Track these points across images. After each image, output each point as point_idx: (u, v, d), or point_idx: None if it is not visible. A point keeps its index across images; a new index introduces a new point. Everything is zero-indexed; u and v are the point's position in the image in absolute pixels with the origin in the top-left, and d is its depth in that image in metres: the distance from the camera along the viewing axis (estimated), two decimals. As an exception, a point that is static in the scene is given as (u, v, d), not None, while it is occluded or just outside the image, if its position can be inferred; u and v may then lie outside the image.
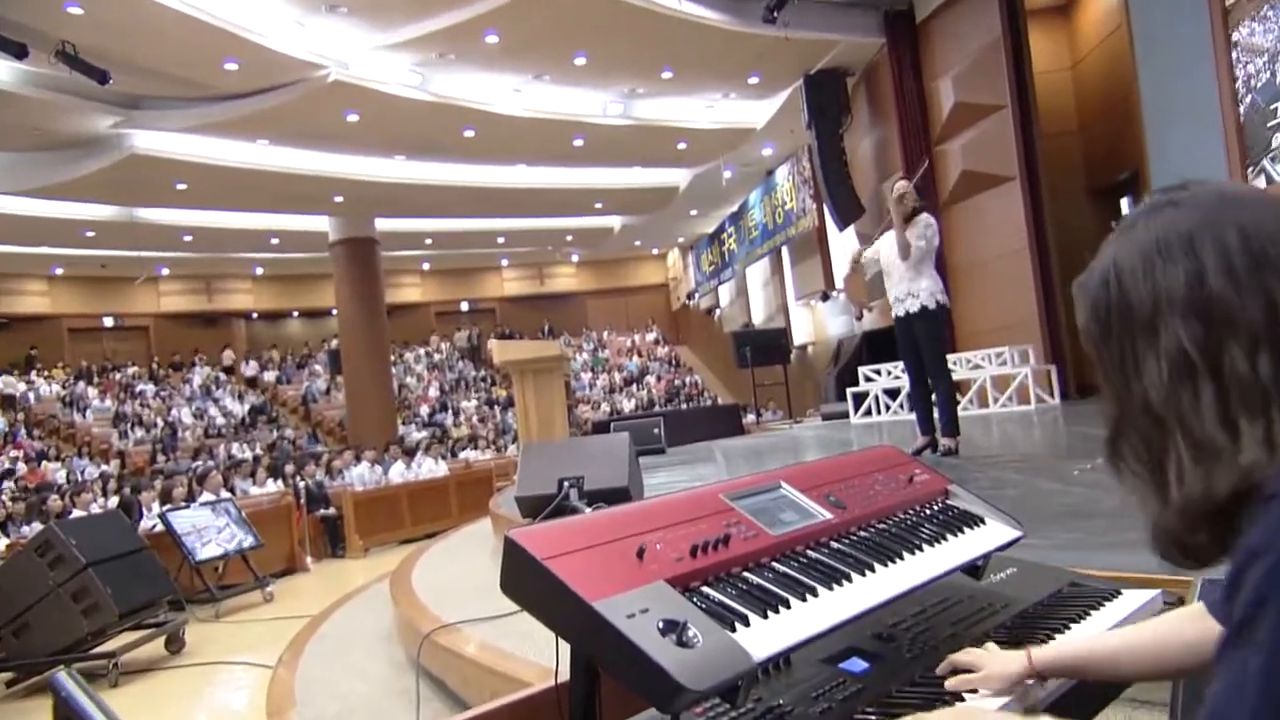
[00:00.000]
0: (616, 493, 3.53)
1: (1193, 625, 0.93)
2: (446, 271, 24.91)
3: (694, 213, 20.78)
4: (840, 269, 15.08)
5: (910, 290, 4.75)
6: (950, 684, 1.02)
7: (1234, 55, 6.89)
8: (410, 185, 15.59)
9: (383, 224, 17.69)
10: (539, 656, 2.26)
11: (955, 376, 7.93)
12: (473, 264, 24.81)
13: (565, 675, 1.09)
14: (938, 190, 10.38)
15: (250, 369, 21.60)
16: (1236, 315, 0.67)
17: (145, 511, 9.01)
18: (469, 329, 24.66)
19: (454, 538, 6.27)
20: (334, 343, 20.21)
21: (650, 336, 26.37)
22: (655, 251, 26.63)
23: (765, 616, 0.97)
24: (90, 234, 16.60)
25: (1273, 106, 6.62)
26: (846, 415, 10.83)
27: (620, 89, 13.56)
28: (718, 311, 24.01)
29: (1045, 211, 9.55)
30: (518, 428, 7.77)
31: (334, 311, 18.76)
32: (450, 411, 20.42)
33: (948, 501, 1.46)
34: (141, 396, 19.27)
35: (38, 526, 8.14)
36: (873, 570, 1.14)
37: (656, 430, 9.32)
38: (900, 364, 6.49)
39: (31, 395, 18.26)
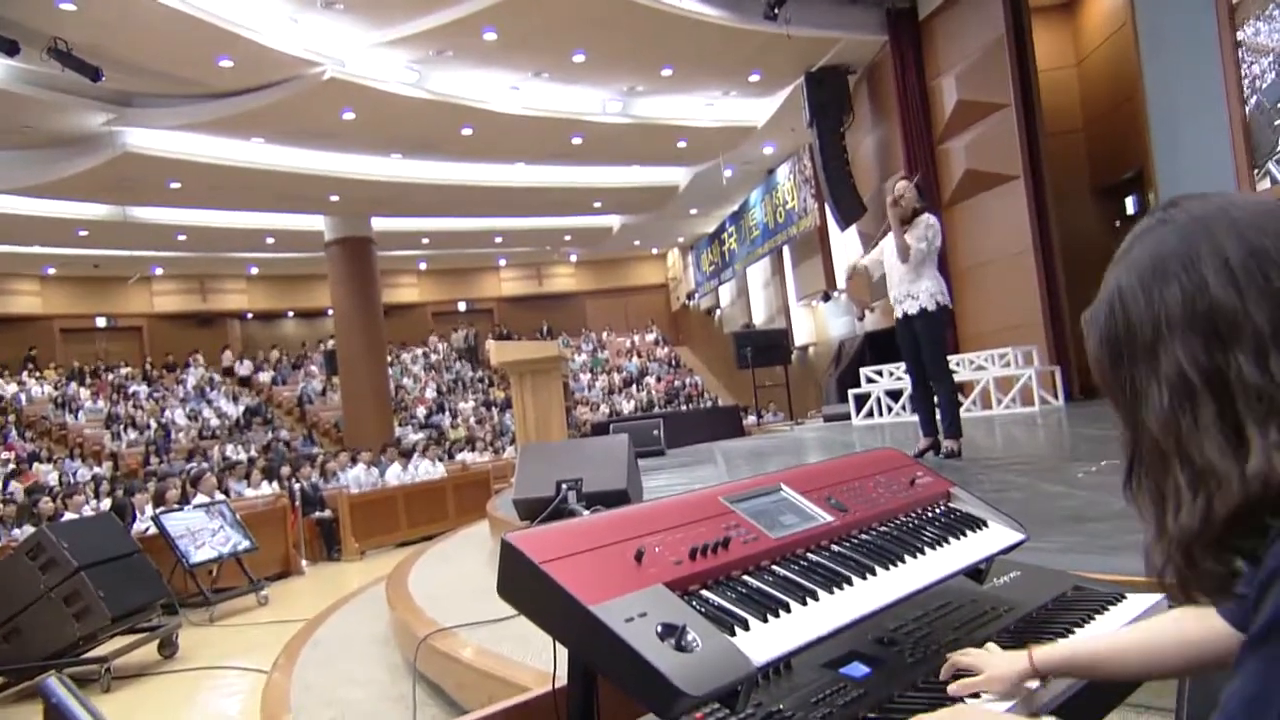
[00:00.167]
0: (615, 495, 3.53)
1: (1195, 625, 0.93)
2: (444, 271, 24.88)
3: (694, 212, 20.76)
4: (842, 270, 15.07)
5: (910, 291, 4.74)
6: (953, 689, 1.01)
7: (1239, 54, 6.87)
8: (407, 184, 15.58)
9: (379, 223, 17.66)
10: (537, 661, 2.25)
11: (958, 378, 7.93)
12: (470, 264, 24.80)
13: (563, 680, 1.08)
14: (940, 190, 10.37)
15: (245, 369, 21.56)
16: (1241, 321, 0.67)
17: (138, 514, 8.98)
18: (466, 329, 24.64)
19: (451, 541, 6.23)
20: (330, 343, 20.20)
21: (650, 337, 26.36)
22: (655, 251, 26.62)
23: (765, 620, 0.96)
24: (83, 233, 16.57)
25: (1278, 106, 6.61)
26: (848, 417, 10.80)
27: (620, 86, 13.55)
28: (718, 312, 24.02)
29: (1049, 211, 9.52)
30: (515, 429, 7.75)
31: (330, 312, 18.73)
32: (447, 413, 20.40)
33: (950, 504, 1.46)
34: (134, 398, 19.23)
35: (29, 529, 8.12)
36: (874, 574, 1.14)
37: (656, 432, 9.30)
38: (902, 365, 6.47)
39: (23, 396, 18.21)
